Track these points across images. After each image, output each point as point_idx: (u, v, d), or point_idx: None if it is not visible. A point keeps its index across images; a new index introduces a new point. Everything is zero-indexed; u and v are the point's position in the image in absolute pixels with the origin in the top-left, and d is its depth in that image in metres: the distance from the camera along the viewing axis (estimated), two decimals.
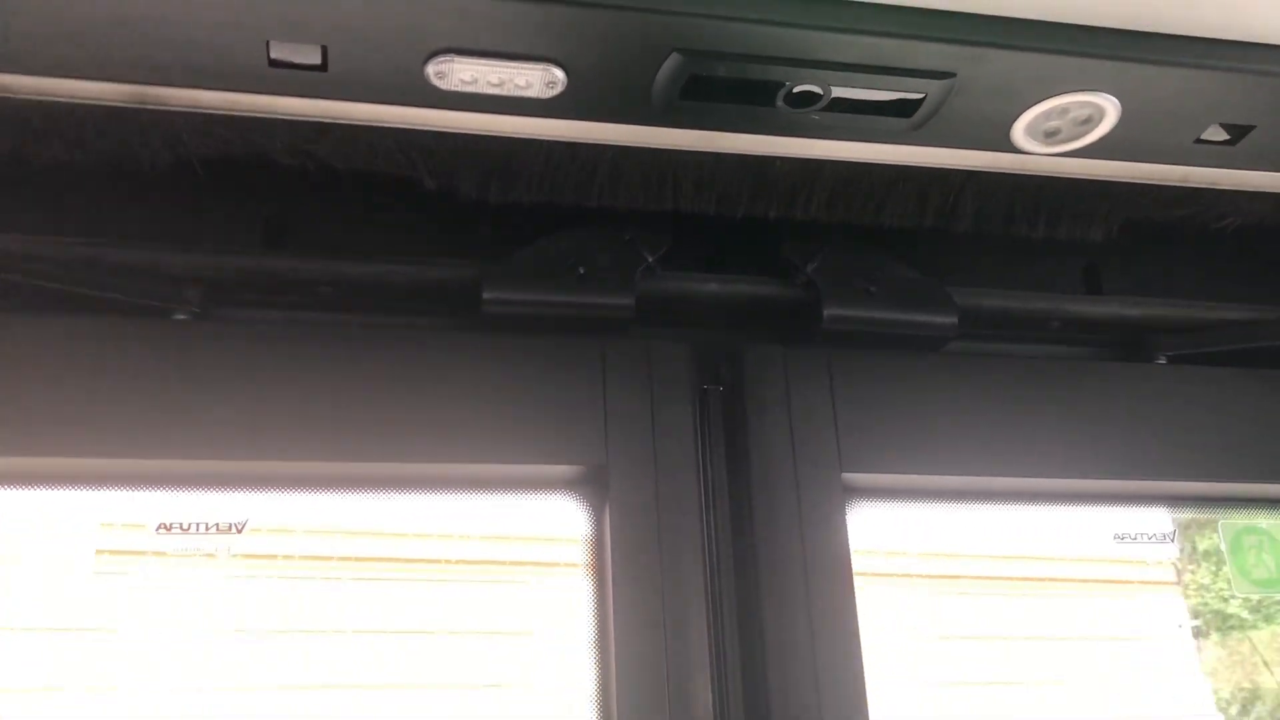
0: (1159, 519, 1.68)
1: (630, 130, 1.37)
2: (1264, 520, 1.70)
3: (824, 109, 1.29)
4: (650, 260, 1.58)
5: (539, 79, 1.22)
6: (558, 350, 1.51)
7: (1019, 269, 1.77)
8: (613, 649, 1.39)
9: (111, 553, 1.38)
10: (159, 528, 1.38)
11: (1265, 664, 1.68)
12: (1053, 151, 1.41)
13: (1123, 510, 1.66)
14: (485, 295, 1.51)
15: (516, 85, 1.23)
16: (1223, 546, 1.69)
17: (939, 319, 1.62)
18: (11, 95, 1.25)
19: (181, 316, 1.48)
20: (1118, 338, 1.79)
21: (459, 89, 1.23)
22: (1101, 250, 1.79)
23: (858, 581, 1.47)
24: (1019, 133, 1.37)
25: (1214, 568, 1.70)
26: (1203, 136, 1.39)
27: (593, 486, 1.49)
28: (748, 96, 1.26)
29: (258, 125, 1.33)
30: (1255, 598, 1.69)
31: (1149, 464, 1.61)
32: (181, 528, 1.40)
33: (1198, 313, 1.76)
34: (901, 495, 1.59)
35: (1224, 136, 1.40)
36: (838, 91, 1.26)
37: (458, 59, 1.18)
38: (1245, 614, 1.69)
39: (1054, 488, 1.60)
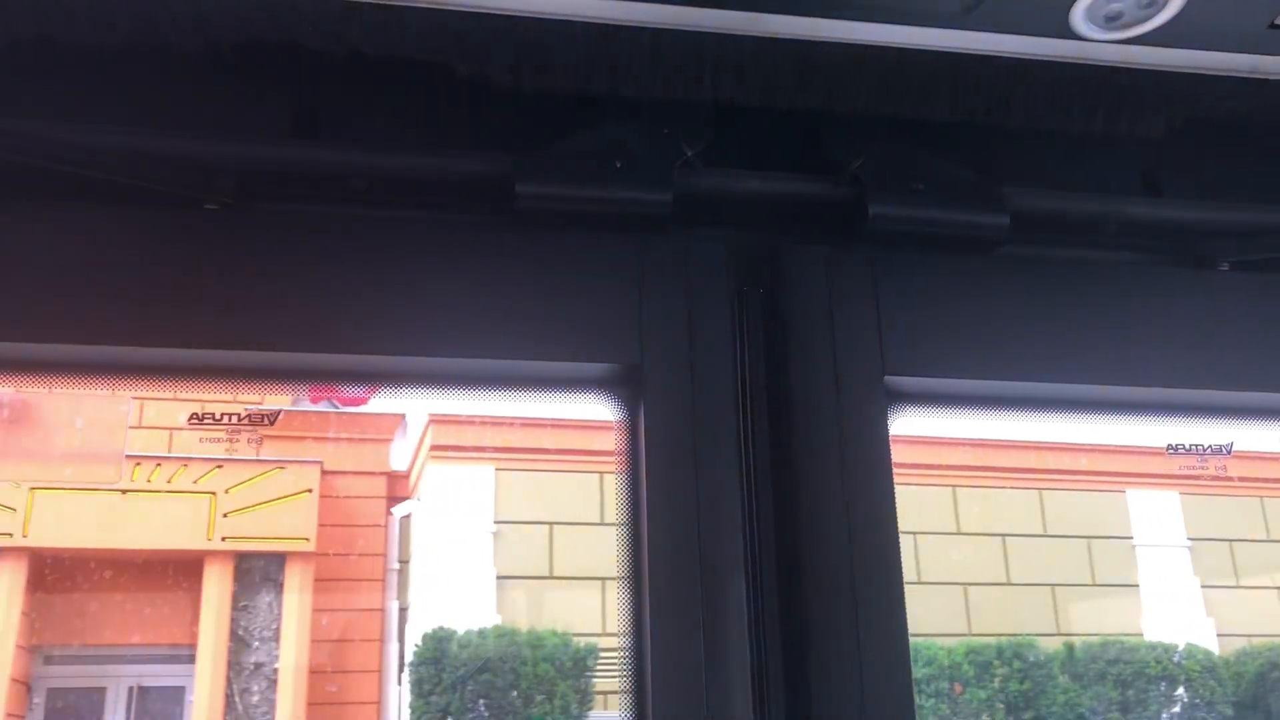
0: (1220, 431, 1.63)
1: (669, 10, 1.32)
2: None
3: None
4: (689, 154, 1.52)
5: None
6: (592, 247, 1.47)
7: (1074, 169, 1.71)
8: (645, 550, 1.36)
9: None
10: (190, 419, 1.38)
11: None
12: (1113, 38, 1.35)
13: (1179, 422, 1.61)
14: (518, 189, 1.46)
15: None
16: None
17: (990, 220, 1.57)
18: None
19: (212, 206, 1.44)
20: (1177, 243, 1.74)
21: None
22: (1161, 150, 1.72)
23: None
24: (1078, 16, 1.31)
25: None
26: (1278, 21, 1.33)
27: (627, 387, 1.45)
28: None
29: (284, 3, 1.29)
30: None
31: (1207, 374, 1.57)
32: (214, 419, 1.40)
33: (1263, 217, 1.70)
34: (946, 401, 1.55)
35: None
36: None
37: None
38: None
39: (1106, 396, 1.56)
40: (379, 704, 10.63)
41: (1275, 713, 9.40)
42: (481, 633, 9.61)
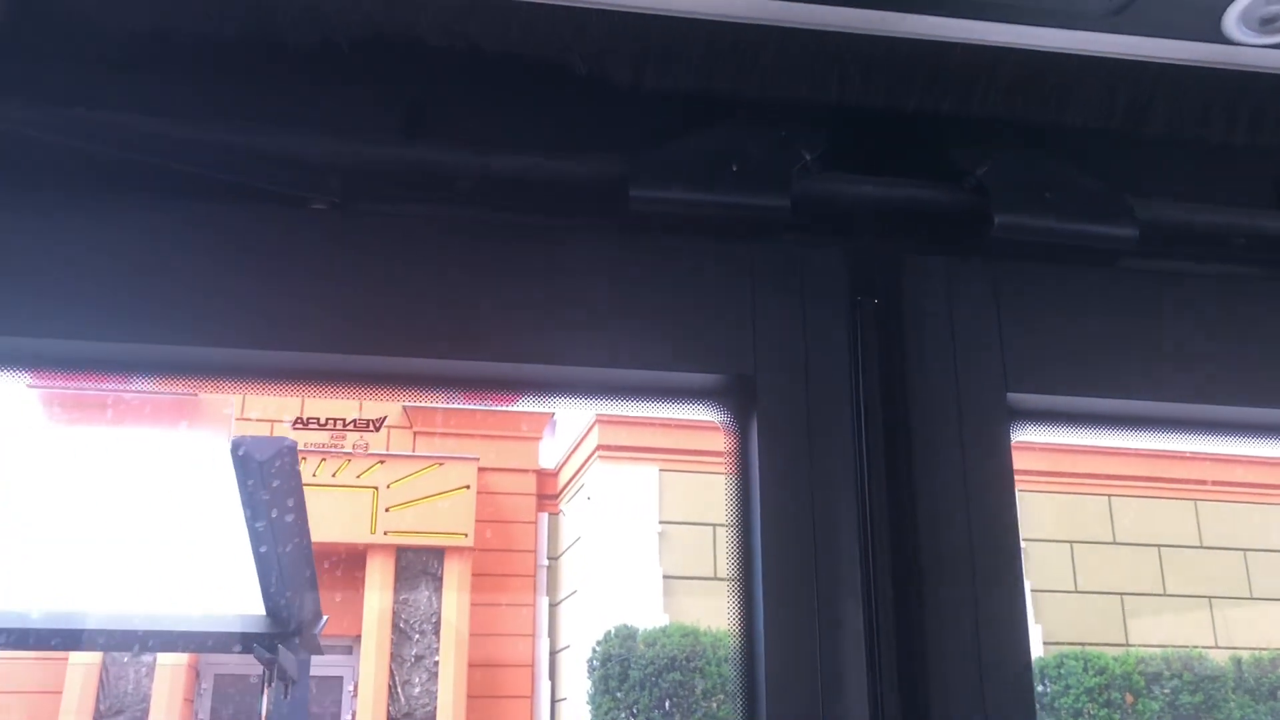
0: None
1: (798, 8, 1.28)
2: None
3: None
4: (808, 158, 1.48)
5: None
6: (706, 253, 1.45)
7: (1204, 179, 1.62)
8: (758, 561, 1.34)
9: None
10: (295, 422, 1.38)
11: None
12: (1267, 42, 1.27)
13: None
14: (632, 193, 1.44)
15: None
16: None
17: (1118, 231, 1.50)
18: None
19: (320, 206, 1.45)
20: None
21: None
22: None
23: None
24: (1231, 19, 1.24)
25: None
26: None
27: (739, 397, 1.43)
28: None
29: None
30: None
31: None
32: (319, 423, 1.40)
33: None
34: (1070, 420, 1.49)
35: None
36: None
37: None
38: None
39: (1236, 417, 1.48)
40: (531, 698, 10.81)
41: None
42: (665, 630, 9.59)
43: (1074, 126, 1.48)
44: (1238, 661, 9.39)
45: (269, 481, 3.77)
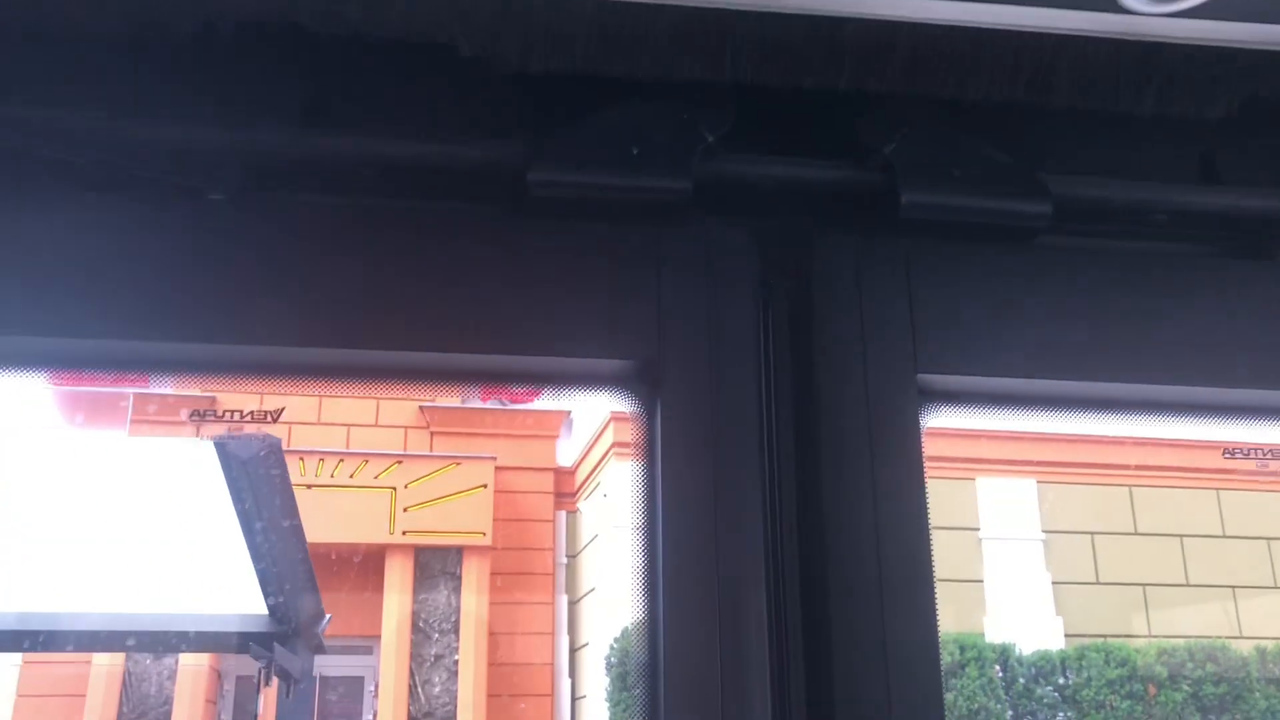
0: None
1: None
2: None
3: None
4: (710, 139, 1.46)
5: None
6: (609, 237, 1.43)
7: (1123, 154, 1.59)
8: (660, 550, 1.33)
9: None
10: (191, 414, 1.38)
11: None
12: (1166, 10, 1.24)
13: (1237, 424, 1.49)
14: (530, 177, 1.43)
15: None
16: None
17: (1030, 208, 1.47)
18: None
19: (217, 197, 1.44)
20: (1234, 233, 1.60)
21: None
22: (1219, 134, 1.59)
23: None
24: None
25: None
26: None
27: (645, 383, 1.41)
28: None
29: None
30: None
31: (1268, 373, 1.44)
32: (216, 415, 1.39)
33: None
34: (982, 400, 1.47)
35: None
36: None
37: None
38: None
39: (1156, 396, 1.45)
40: (552, 696, 10.84)
41: None
42: None
43: (980, 102, 1.45)
44: (1261, 651, 9.32)
45: (256, 479, 3.79)
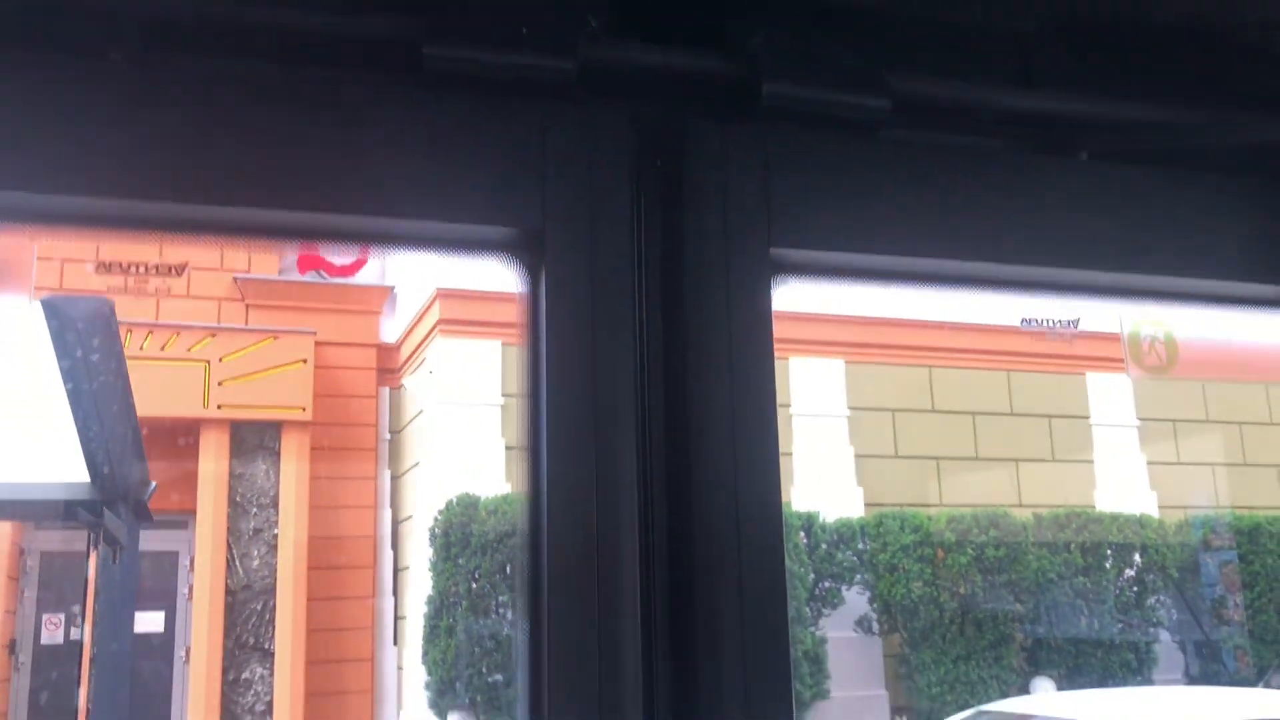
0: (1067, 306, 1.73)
1: None
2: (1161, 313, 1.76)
3: None
4: (594, 24, 1.57)
5: None
6: (499, 112, 1.52)
7: (958, 58, 1.77)
8: (544, 409, 1.44)
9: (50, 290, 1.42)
10: (97, 267, 1.42)
11: None
12: None
13: (1036, 297, 1.72)
14: (426, 51, 1.50)
15: None
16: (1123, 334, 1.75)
17: (872, 102, 1.64)
18: None
19: (117, 57, 1.47)
20: (1047, 132, 1.82)
21: None
22: (1038, 43, 1.79)
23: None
24: None
25: None
26: None
27: (529, 252, 1.52)
28: None
29: None
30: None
31: (1059, 254, 1.66)
32: (121, 267, 1.43)
33: (1119, 112, 1.78)
34: (828, 273, 1.63)
35: None
36: None
37: None
38: None
39: (973, 271, 1.65)
40: (374, 568, 10.90)
41: (1211, 574, 10.08)
42: (507, 499, 9.74)
43: (838, 5, 1.60)
44: (1037, 518, 10.19)
45: (87, 342, 3.70)
